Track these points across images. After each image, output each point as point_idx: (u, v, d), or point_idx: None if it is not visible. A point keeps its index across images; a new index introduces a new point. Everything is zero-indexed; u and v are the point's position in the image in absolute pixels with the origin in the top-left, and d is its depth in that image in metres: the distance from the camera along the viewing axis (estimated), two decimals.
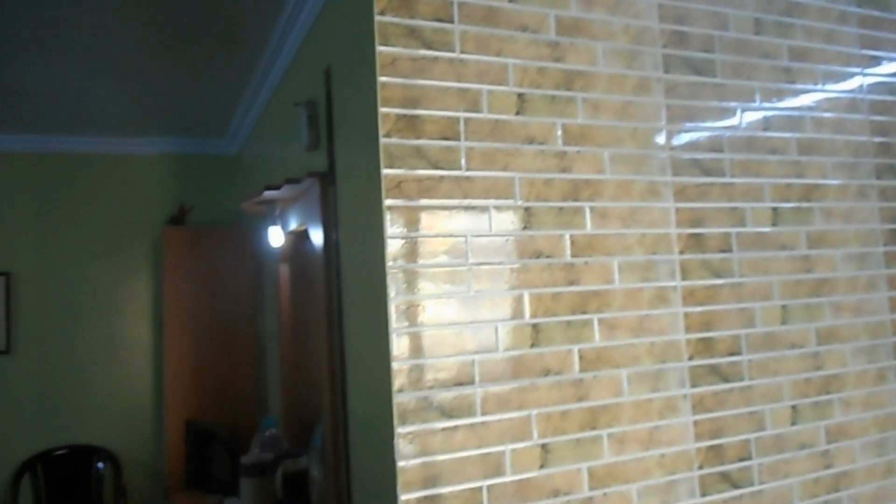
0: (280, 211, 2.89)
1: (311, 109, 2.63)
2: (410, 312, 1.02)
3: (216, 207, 4.66)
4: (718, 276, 1.30)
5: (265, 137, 3.83)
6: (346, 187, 1.29)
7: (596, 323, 1.15)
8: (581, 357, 1.13)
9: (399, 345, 1.00)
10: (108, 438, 4.41)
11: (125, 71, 3.45)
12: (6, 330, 4.27)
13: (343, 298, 1.30)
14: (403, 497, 0.96)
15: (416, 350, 1.01)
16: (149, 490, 4.47)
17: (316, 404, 2.99)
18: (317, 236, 2.51)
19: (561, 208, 1.16)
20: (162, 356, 4.39)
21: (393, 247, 1.03)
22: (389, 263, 1.02)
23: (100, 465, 4.34)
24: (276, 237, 2.96)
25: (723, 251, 1.31)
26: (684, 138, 1.32)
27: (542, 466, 1.07)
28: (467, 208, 1.10)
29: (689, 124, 1.33)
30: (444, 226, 1.08)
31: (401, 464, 0.96)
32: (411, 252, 1.05)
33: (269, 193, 2.65)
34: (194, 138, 4.66)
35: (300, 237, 2.89)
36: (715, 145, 1.36)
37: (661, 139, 1.29)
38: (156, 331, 4.57)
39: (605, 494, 1.11)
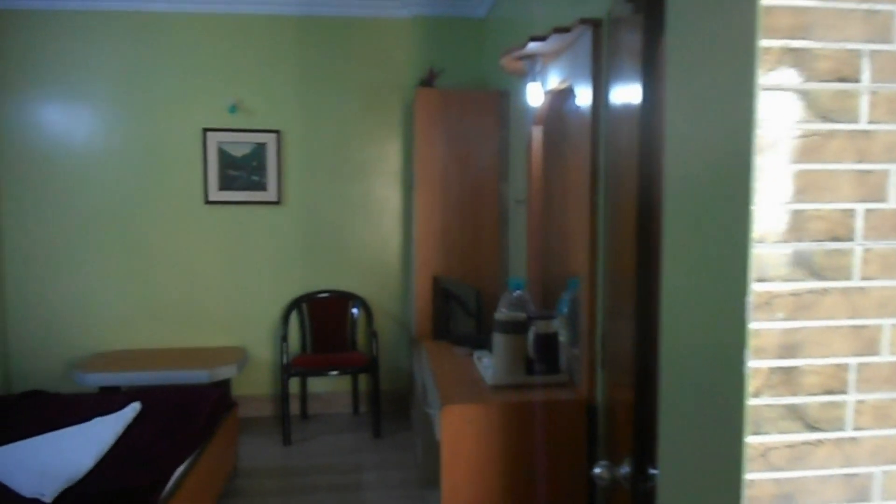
0: (541, 67, 2.73)
1: None
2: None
3: (463, 71, 4.63)
4: None
5: None
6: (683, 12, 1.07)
7: None
8: None
9: (761, 225, 0.80)
10: (361, 287, 4.82)
11: None
12: (278, 183, 4.72)
13: (666, 149, 1.12)
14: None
15: (795, 231, 0.81)
16: (396, 336, 4.87)
17: (564, 270, 2.93)
18: (583, 93, 2.33)
19: None
20: (410, 216, 4.61)
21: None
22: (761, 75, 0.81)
23: (354, 309, 4.79)
24: (534, 96, 2.82)
25: None
26: None
27: None
28: None
29: None
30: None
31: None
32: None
33: (532, 46, 2.49)
34: (443, 1, 4.59)
35: (560, 96, 2.72)
36: None
37: None
38: (404, 191, 4.79)
39: None
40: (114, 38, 4.54)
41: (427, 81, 4.35)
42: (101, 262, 4.64)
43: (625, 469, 1.38)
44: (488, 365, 2.62)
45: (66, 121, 4.56)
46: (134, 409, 3.17)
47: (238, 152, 4.67)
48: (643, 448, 1.36)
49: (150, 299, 4.69)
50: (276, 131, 4.69)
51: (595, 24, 2.23)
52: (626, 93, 1.82)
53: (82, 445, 2.71)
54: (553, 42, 2.43)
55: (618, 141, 1.87)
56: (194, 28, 4.59)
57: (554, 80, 2.66)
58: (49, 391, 3.71)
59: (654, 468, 1.32)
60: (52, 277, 4.60)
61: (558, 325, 2.54)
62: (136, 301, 4.68)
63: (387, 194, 4.82)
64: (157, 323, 4.71)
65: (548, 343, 2.48)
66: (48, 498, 2.25)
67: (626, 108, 1.76)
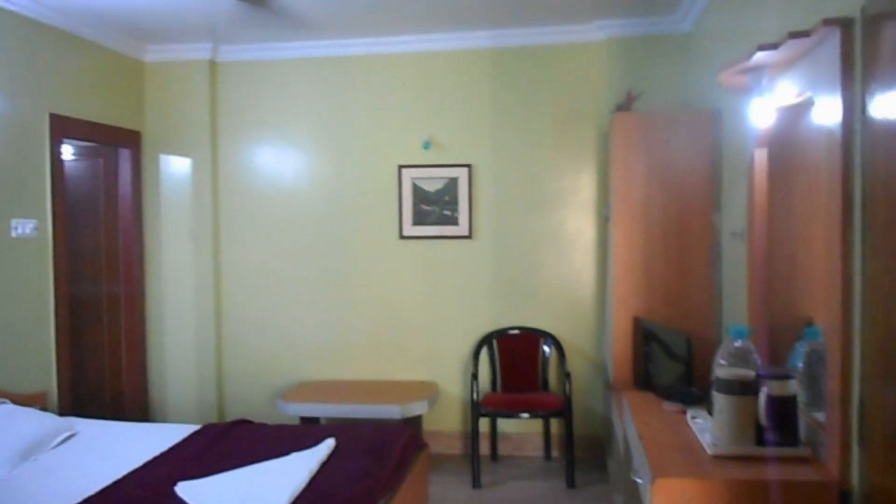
0: (767, 80, 2.34)
1: None
2: None
3: (665, 92, 4.26)
4: None
5: (732, 1, 3.23)
6: None
7: None
8: None
9: None
10: (553, 325, 4.58)
11: None
12: (469, 217, 4.65)
13: None
14: None
15: None
16: (590, 378, 4.55)
17: (796, 316, 2.48)
18: (829, 107, 1.93)
19: None
20: (605, 250, 4.30)
21: None
22: None
23: (545, 348, 4.55)
24: (758, 113, 2.44)
25: None
26: None
27: None
28: None
29: None
30: None
31: None
32: None
33: (760, 56, 2.13)
34: (642, 18, 4.27)
35: (792, 112, 2.31)
36: None
37: None
38: (600, 224, 4.49)
39: None
40: (317, 82, 4.79)
41: (625, 105, 4.06)
42: (306, 293, 4.86)
43: None
44: (706, 428, 2.25)
45: (275, 161, 4.87)
46: (329, 445, 3.18)
47: (431, 187, 4.68)
48: None
49: (349, 331, 4.82)
50: (468, 165, 4.64)
51: (844, 24, 1.84)
52: None
53: (279, 481, 2.73)
54: (787, 50, 2.05)
55: (892, 163, 1.48)
56: (389, 68, 4.71)
57: (785, 95, 2.27)
58: (254, 420, 3.89)
59: None
60: (263, 307, 4.90)
61: (796, 387, 2.11)
62: (336, 333, 4.83)
63: (580, 227, 4.55)
64: (355, 355, 4.82)
65: (784, 408, 2.06)
66: None
67: None
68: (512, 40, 4.55)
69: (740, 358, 2.36)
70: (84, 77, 4.31)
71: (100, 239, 4.71)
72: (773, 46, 2.07)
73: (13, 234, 3.73)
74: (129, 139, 4.72)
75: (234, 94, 4.87)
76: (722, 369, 2.15)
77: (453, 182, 4.65)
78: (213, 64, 4.84)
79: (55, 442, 3.30)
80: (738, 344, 2.44)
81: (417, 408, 4.21)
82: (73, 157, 4.67)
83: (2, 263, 3.66)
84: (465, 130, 4.65)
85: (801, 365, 2.31)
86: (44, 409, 3.73)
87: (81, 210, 4.66)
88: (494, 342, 4.61)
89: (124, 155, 4.71)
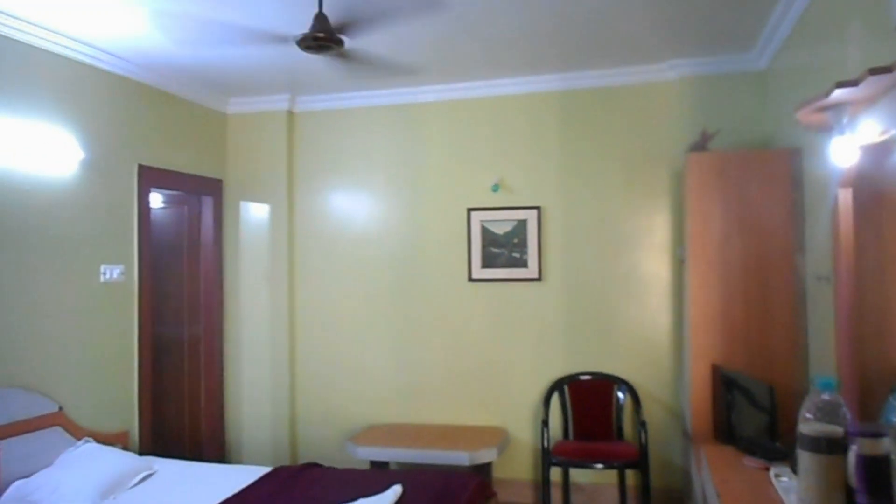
0: (849, 118, 2.23)
1: None
2: None
3: (741, 131, 4.13)
4: None
5: (811, 37, 3.12)
6: None
7: None
8: None
9: None
10: (626, 370, 4.43)
11: None
12: (538, 259, 4.61)
13: None
14: None
15: None
16: (668, 427, 4.35)
17: (892, 366, 2.31)
18: None
19: None
20: (681, 294, 4.16)
21: None
22: None
23: (619, 394, 4.40)
24: (840, 152, 2.32)
25: None
26: None
27: None
28: None
29: None
30: None
31: None
32: None
33: (839, 93, 2.03)
34: (716, 57, 4.18)
35: (878, 150, 2.19)
36: None
37: None
38: (674, 267, 4.35)
39: None
40: (389, 129, 4.90)
41: (699, 145, 3.96)
42: (377, 336, 4.90)
43: None
44: (791, 487, 2.11)
45: (348, 206, 4.98)
46: (395, 492, 3.15)
47: (500, 230, 4.67)
48: None
49: (419, 374, 4.81)
50: (537, 207, 4.61)
51: None
52: None
53: None
54: (867, 87, 1.96)
55: None
56: (459, 113, 4.77)
57: (868, 132, 2.15)
58: (324, 463, 3.90)
59: None
60: (335, 350, 4.97)
61: (891, 445, 1.95)
62: (406, 376, 4.83)
63: (654, 269, 4.42)
64: (425, 398, 4.80)
65: (877, 468, 1.90)
66: None
67: None
68: (582, 82, 4.54)
69: (828, 412, 2.21)
70: (171, 129, 4.56)
71: (182, 282, 4.91)
72: (853, 83, 1.97)
73: (102, 278, 3.93)
74: (212, 187, 4.94)
75: (310, 142, 5.05)
76: (807, 424, 2.00)
77: (522, 224, 4.62)
78: (290, 114, 5.03)
79: (134, 481, 3.41)
80: (825, 397, 2.29)
81: (487, 455, 4.13)
82: (161, 206, 4.92)
83: (91, 307, 3.86)
84: (535, 172, 4.64)
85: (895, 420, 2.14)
86: (125, 447, 3.86)
87: (166, 255, 4.88)
88: (566, 388, 4.49)
89: (207, 202, 4.93)
